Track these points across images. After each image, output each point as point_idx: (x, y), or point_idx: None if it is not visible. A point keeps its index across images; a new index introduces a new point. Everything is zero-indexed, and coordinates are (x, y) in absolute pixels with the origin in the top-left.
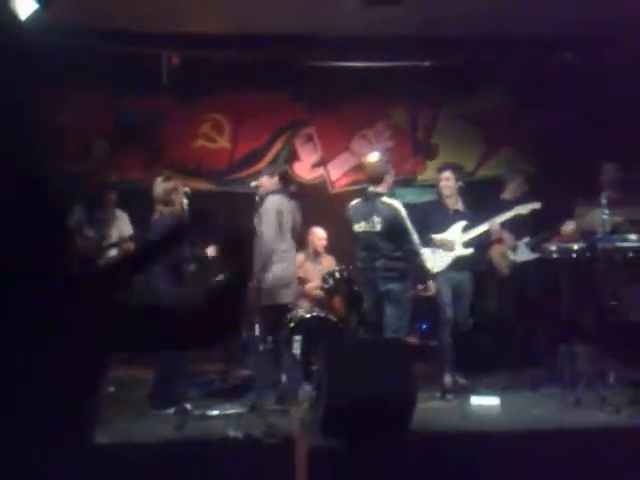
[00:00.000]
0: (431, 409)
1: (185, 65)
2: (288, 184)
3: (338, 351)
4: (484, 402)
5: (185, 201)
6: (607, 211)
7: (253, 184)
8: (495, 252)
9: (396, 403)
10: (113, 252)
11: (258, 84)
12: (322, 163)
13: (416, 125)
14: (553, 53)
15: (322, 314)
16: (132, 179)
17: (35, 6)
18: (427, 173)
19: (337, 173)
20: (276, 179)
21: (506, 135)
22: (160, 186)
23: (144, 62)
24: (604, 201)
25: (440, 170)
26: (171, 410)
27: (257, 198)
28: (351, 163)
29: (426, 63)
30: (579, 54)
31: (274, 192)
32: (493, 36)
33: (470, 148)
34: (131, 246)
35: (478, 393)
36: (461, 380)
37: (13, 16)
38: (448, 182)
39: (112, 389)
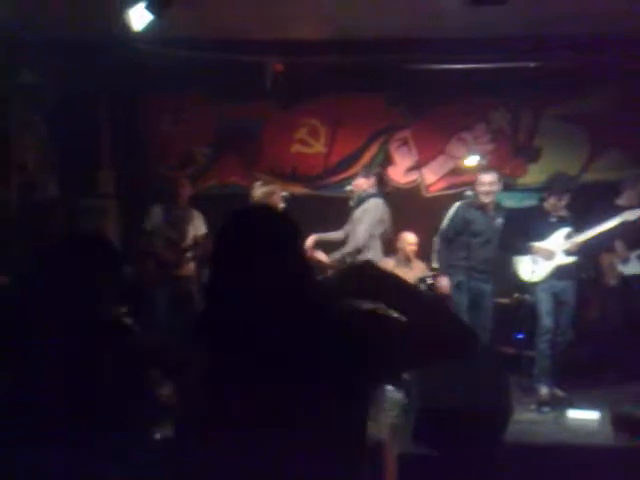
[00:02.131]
0: (525, 421)
1: (287, 72)
2: (384, 186)
3: None
4: (582, 416)
5: (282, 205)
6: None
7: (348, 188)
8: (604, 261)
9: (490, 413)
10: (190, 253)
11: (355, 89)
12: (417, 167)
13: (517, 127)
14: None
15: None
16: (231, 183)
17: (149, 18)
18: (528, 177)
19: (432, 177)
20: (372, 181)
21: (614, 137)
22: (259, 190)
23: (245, 69)
24: None
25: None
26: None
27: (351, 202)
28: (447, 167)
29: (531, 64)
30: None
31: (372, 195)
32: (602, 34)
33: (575, 151)
34: (210, 246)
35: (576, 407)
36: (559, 392)
37: (127, 27)
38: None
39: None
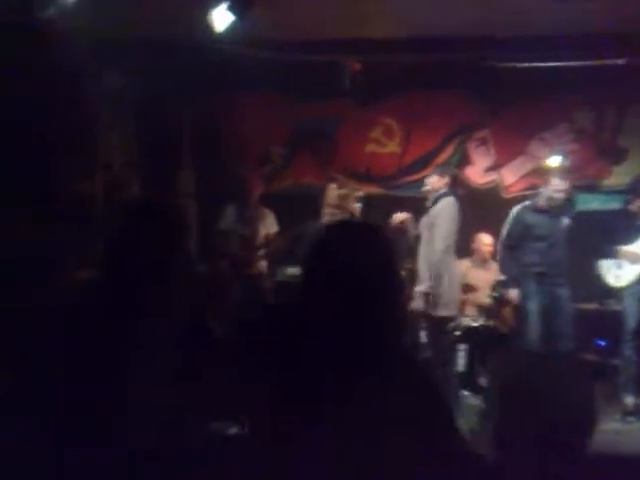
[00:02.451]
0: (609, 431)
1: (365, 71)
2: (458, 187)
3: (511, 365)
4: None
5: (357, 206)
6: None
7: (426, 188)
8: None
9: (574, 423)
10: (262, 251)
11: (432, 87)
12: (496, 167)
13: (601, 127)
14: None
15: (490, 324)
16: (305, 184)
17: (231, 19)
18: (613, 179)
19: (512, 177)
20: (447, 180)
21: None
22: (333, 192)
23: (323, 69)
24: None
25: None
26: None
27: (427, 202)
28: (527, 167)
29: (620, 61)
30: None
31: (446, 194)
32: None
33: None
34: (282, 244)
35: None
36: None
37: (210, 29)
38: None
39: None
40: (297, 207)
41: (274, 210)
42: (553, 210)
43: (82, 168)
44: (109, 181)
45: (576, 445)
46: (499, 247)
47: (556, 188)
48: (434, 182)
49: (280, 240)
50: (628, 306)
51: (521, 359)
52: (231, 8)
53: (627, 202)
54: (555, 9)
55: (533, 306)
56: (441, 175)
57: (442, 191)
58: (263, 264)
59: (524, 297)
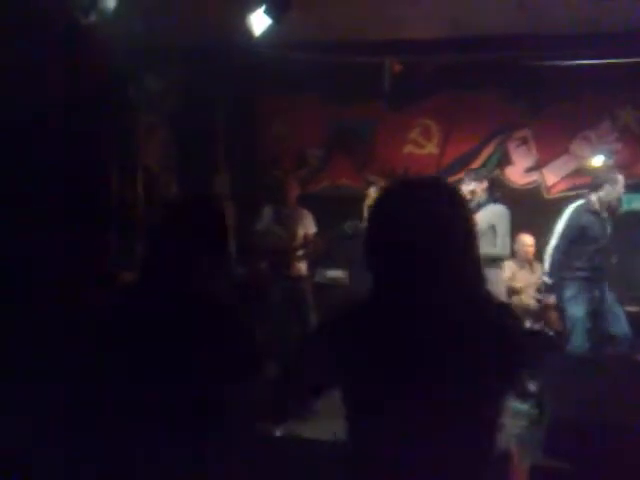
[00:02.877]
0: None
1: (405, 72)
2: (496, 189)
3: (562, 368)
4: None
5: None
6: None
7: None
8: None
9: (629, 427)
10: (301, 252)
11: (470, 87)
12: (537, 167)
13: None
14: None
15: (536, 327)
16: (342, 185)
17: (268, 22)
18: None
19: (554, 177)
20: (484, 184)
21: None
22: (371, 195)
23: (361, 70)
24: None
25: None
26: None
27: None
28: (570, 167)
29: None
30: None
31: (491, 201)
32: None
33: None
34: (320, 246)
35: None
36: None
37: (248, 32)
38: None
39: None
40: (335, 208)
41: (312, 211)
42: (604, 212)
43: (124, 171)
44: (148, 184)
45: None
46: (552, 250)
47: (617, 190)
48: (472, 189)
49: (319, 241)
50: None
51: (571, 362)
52: (268, 12)
53: None
54: (596, 7)
55: (580, 311)
56: (479, 180)
57: (485, 198)
58: (302, 266)
59: (569, 301)
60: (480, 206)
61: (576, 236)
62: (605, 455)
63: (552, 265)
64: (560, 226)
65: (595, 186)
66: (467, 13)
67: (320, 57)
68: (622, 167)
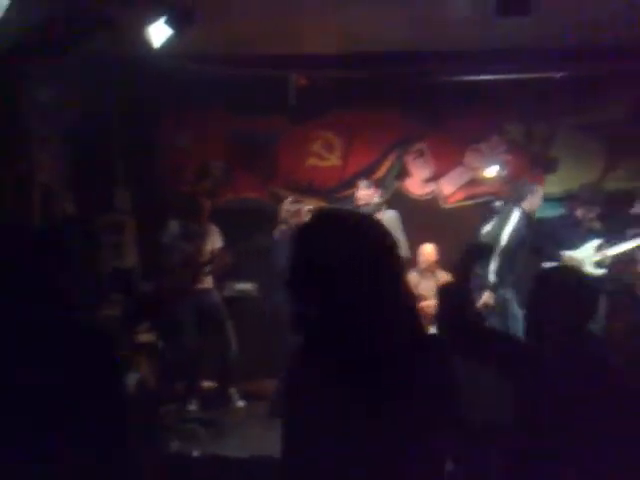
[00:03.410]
0: None
1: (309, 86)
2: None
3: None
4: None
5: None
6: None
7: (359, 202)
8: (629, 272)
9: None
10: (208, 267)
11: (369, 102)
12: (434, 178)
13: (532, 138)
14: None
15: (437, 333)
16: (248, 198)
17: (169, 33)
18: (546, 188)
19: (450, 188)
20: (375, 192)
21: (631, 146)
22: (284, 208)
23: (263, 83)
24: None
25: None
26: None
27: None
28: (465, 178)
29: (558, 75)
30: None
31: (380, 205)
32: (623, 44)
33: (592, 160)
34: (227, 260)
35: None
36: None
37: (147, 43)
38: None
39: (242, 404)
40: (240, 221)
41: (216, 224)
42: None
43: (18, 188)
44: (41, 199)
45: None
46: (499, 253)
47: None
48: (365, 195)
49: (225, 256)
50: None
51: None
52: (169, 22)
53: (571, 209)
54: (489, 24)
55: (518, 311)
56: (369, 187)
57: (375, 204)
58: (209, 280)
59: (508, 304)
60: (373, 212)
61: (523, 241)
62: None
63: (496, 269)
64: (509, 229)
65: (518, 198)
66: (367, 30)
67: (223, 70)
68: (512, 178)
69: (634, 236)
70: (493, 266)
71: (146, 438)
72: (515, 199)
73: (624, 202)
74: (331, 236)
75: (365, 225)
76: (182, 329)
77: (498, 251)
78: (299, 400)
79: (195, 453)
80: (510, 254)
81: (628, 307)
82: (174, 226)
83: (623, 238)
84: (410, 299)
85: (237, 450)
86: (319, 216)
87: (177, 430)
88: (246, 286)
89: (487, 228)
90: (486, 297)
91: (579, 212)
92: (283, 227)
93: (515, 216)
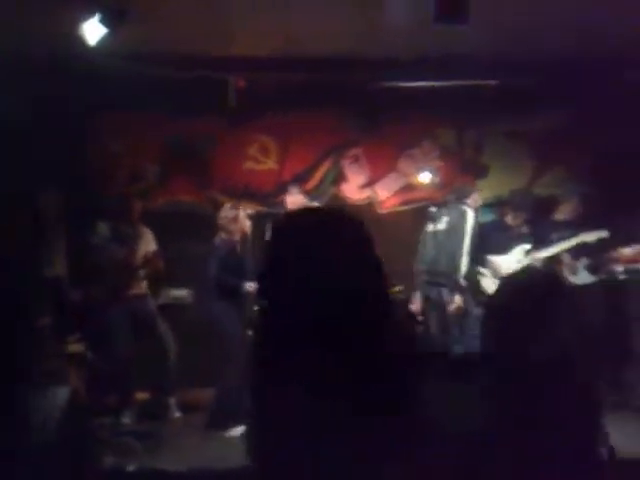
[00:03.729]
0: None
1: (248, 89)
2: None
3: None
4: None
5: (248, 224)
6: None
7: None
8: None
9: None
10: (142, 271)
11: (306, 106)
12: (370, 183)
13: (464, 145)
14: (609, 72)
15: None
16: (183, 201)
17: (103, 31)
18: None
19: (386, 193)
20: (300, 197)
21: (559, 154)
22: (222, 215)
23: (200, 85)
24: None
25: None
26: (235, 430)
27: None
28: (400, 183)
29: (492, 83)
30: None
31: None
32: (554, 54)
33: (520, 167)
34: (160, 264)
35: None
36: None
37: (81, 41)
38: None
39: (178, 414)
40: (176, 225)
41: (151, 228)
42: None
43: None
44: None
45: None
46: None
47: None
48: (295, 201)
49: (159, 259)
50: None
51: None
52: (103, 21)
53: (501, 215)
54: (424, 32)
55: None
56: (299, 193)
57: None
58: (143, 284)
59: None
60: None
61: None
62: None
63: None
64: (472, 230)
65: (462, 198)
66: (307, 34)
67: (159, 70)
68: (443, 184)
69: (559, 240)
70: (464, 268)
71: (79, 453)
72: (459, 199)
73: (550, 208)
74: (307, 232)
75: (342, 219)
76: (114, 338)
77: (466, 252)
78: (272, 401)
79: (131, 467)
80: (472, 254)
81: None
82: (104, 228)
83: (549, 242)
84: (388, 294)
85: (174, 463)
86: (294, 214)
87: (111, 444)
88: (181, 293)
89: (438, 228)
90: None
91: (509, 218)
92: (223, 235)
93: (470, 215)
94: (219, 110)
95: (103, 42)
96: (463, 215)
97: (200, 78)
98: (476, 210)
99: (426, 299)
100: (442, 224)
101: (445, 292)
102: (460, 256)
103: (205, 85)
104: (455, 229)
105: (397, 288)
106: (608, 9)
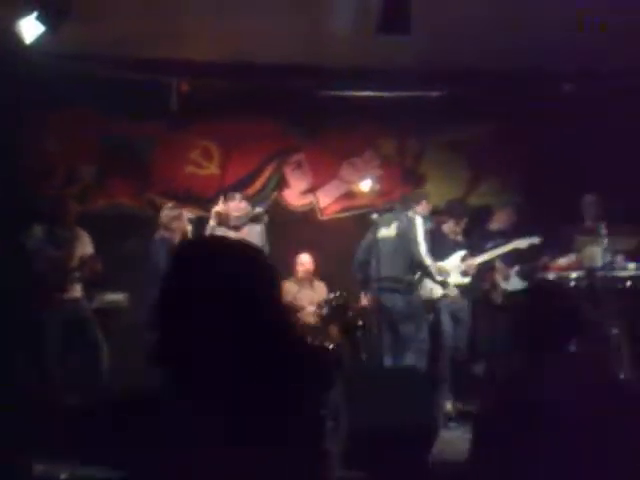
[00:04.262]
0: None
1: (190, 92)
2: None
3: (356, 381)
4: None
5: (189, 227)
6: (606, 240)
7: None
8: (489, 280)
9: (418, 433)
10: (77, 274)
11: (248, 111)
12: (312, 190)
13: (404, 154)
14: (545, 85)
15: (318, 341)
16: (123, 204)
17: (41, 29)
18: None
19: (327, 200)
20: (244, 204)
21: (493, 164)
22: (164, 212)
23: (141, 87)
24: (602, 230)
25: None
26: None
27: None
28: (341, 190)
29: (433, 93)
30: (574, 86)
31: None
32: (488, 68)
33: (457, 177)
34: (98, 266)
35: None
36: (461, 406)
37: (17, 39)
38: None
39: None
40: (114, 228)
41: (88, 231)
42: None
43: None
44: None
45: (421, 454)
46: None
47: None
48: (236, 207)
49: (96, 262)
50: (442, 319)
51: (364, 374)
52: (40, 18)
53: (438, 223)
54: (368, 42)
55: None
56: (241, 200)
57: (245, 216)
58: (78, 288)
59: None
60: (241, 225)
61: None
62: (395, 461)
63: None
64: (421, 237)
65: (410, 205)
66: (252, 40)
67: (100, 70)
68: (384, 193)
69: (493, 247)
70: (417, 274)
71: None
72: (408, 206)
73: (485, 217)
74: (206, 264)
75: (240, 252)
76: (46, 344)
77: (423, 257)
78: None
79: (63, 476)
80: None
81: (488, 312)
82: (38, 230)
83: (484, 249)
84: (287, 322)
85: (108, 471)
86: (192, 244)
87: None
88: (117, 297)
89: (387, 235)
90: (363, 298)
91: (446, 226)
92: (164, 233)
93: (419, 222)
94: (160, 113)
95: (42, 40)
96: (411, 222)
97: (142, 80)
98: (424, 217)
99: (378, 305)
100: (391, 231)
101: (398, 297)
102: (412, 262)
103: (146, 87)
104: (405, 236)
105: (337, 293)
106: (543, 23)
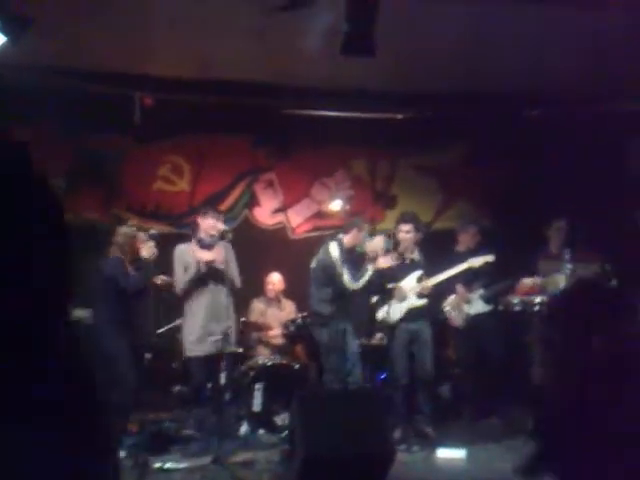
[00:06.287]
0: (397, 462)
1: (156, 107)
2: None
3: (312, 402)
4: (450, 455)
5: (151, 244)
6: (570, 265)
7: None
8: (449, 303)
9: (374, 455)
10: None
11: (220, 129)
12: (283, 209)
13: (375, 175)
14: (513, 109)
15: (284, 361)
16: (89, 219)
17: (2, 40)
18: (387, 222)
19: (298, 219)
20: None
21: (462, 188)
22: (122, 231)
23: (107, 101)
24: (567, 256)
25: (400, 222)
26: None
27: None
28: (312, 210)
29: (399, 116)
30: (541, 111)
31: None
32: (457, 91)
33: (428, 200)
34: None
35: (444, 445)
36: (427, 430)
37: None
38: (407, 235)
39: None
40: (78, 242)
41: None
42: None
43: None
44: None
45: (377, 477)
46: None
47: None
48: (209, 225)
49: None
50: (396, 342)
51: (320, 396)
52: (1, 29)
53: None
54: (340, 64)
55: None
56: (214, 217)
57: (219, 233)
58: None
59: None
60: (212, 243)
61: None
62: None
63: None
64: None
65: (344, 231)
66: (221, 57)
67: (64, 83)
68: (355, 212)
69: (450, 267)
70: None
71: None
72: (342, 232)
73: (449, 240)
74: None
75: None
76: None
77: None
78: None
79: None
80: (326, 282)
81: (450, 334)
82: None
83: (441, 270)
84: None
85: None
86: None
87: None
88: (80, 313)
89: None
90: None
91: (402, 241)
92: (117, 253)
93: (334, 247)
94: (124, 127)
95: (2, 52)
96: (326, 251)
97: (104, 93)
98: (347, 244)
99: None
100: (313, 263)
101: (324, 331)
102: (333, 291)
103: (111, 101)
104: (320, 266)
105: (305, 313)
106: (510, 49)
